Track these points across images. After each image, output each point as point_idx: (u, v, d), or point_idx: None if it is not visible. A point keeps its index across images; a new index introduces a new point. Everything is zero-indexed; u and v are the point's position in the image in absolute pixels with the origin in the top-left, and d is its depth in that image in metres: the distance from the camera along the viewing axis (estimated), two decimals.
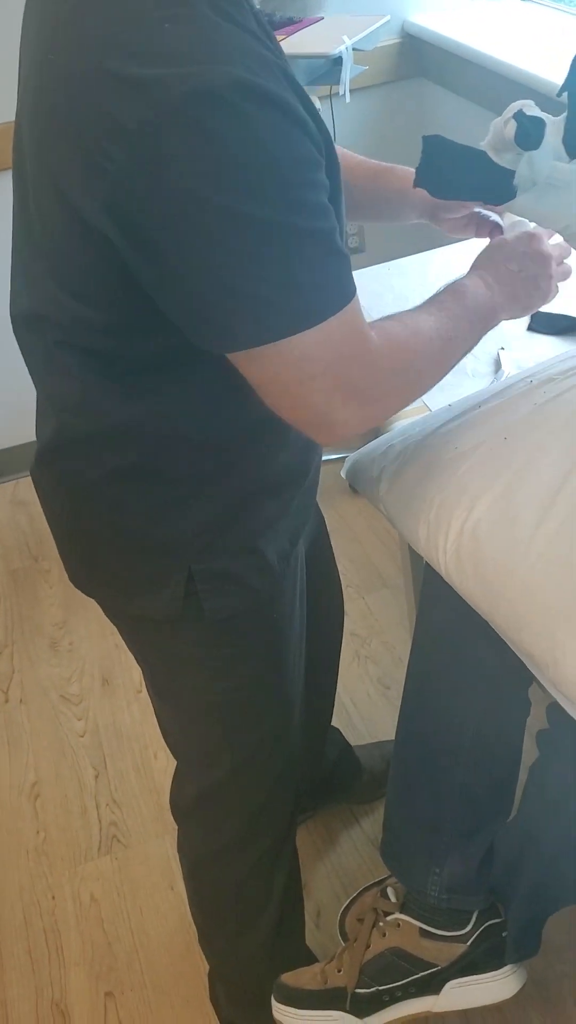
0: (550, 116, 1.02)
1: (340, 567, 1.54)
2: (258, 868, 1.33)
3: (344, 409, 0.90)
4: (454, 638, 1.17)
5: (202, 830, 1.34)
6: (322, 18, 1.93)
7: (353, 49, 1.78)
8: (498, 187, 1.01)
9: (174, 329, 0.88)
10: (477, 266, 1.12)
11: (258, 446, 1.04)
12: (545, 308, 1.65)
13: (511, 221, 1.25)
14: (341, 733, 1.83)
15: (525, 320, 1.64)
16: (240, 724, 1.21)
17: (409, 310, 1.02)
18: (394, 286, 1.69)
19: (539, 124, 0.96)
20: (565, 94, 1.00)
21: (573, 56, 0.98)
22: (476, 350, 1.54)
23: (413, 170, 1.09)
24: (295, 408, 0.91)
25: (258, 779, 1.27)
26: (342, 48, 1.73)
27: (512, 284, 1.11)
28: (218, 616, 1.09)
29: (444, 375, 1.05)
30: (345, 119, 2.57)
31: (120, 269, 0.85)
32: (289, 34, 1.85)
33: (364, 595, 2.32)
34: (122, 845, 1.85)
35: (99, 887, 1.79)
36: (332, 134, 2.02)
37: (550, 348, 1.53)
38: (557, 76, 1.92)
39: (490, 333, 1.60)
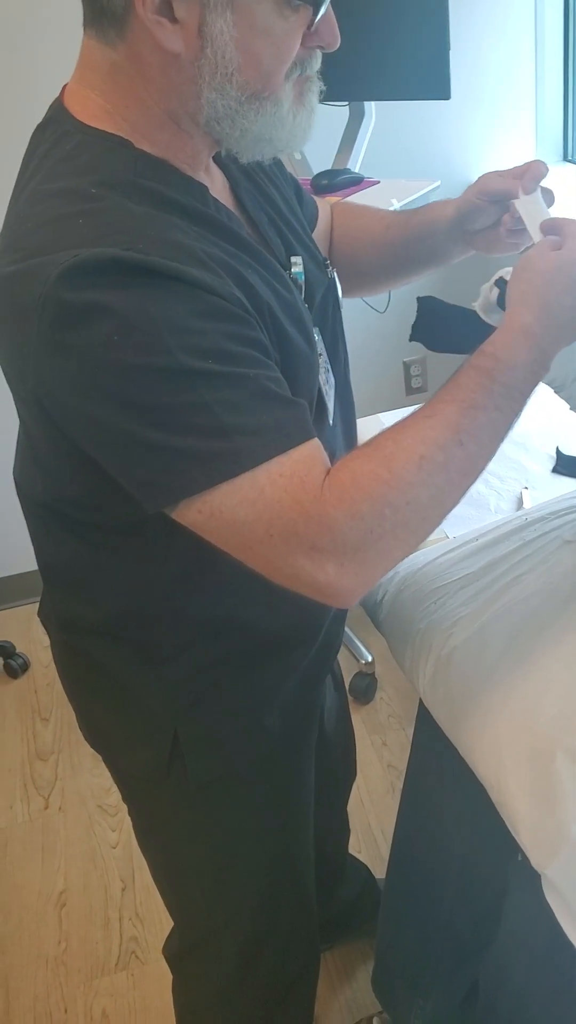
0: None
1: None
2: (253, 1017, 1.29)
3: (319, 570, 0.78)
4: (440, 772, 1.19)
5: (189, 979, 1.32)
6: (379, 182, 2.09)
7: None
8: None
9: None
10: (515, 302, 0.89)
11: (248, 608, 0.94)
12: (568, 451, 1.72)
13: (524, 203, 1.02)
14: (366, 868, 1.79)
15: (550, 461, 1.70)
16: (222, 885, 1.18)
17: (401, 421, 0.84)
18: None
19: None
20: None
21: None
22: (499, 488, 1.60)
23: (442, 203, 1.11)
24: (273, 575, 0.81)
25: (247, 933, 1.22)
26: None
27: (560, 321, 0.87)
28: (202, 779, 1.05)
29: (464, 483, 0.84)
30: None
31: (72, 445, 0.84)
32: (344, 196, 2.01)
33: (406, 726, 2.30)
34: (139, 962, 1.86)
35: (112, 1003, 1.80)
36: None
37: (573, 490, 1.58)
38: None
39: (514, 471, 1.64)
